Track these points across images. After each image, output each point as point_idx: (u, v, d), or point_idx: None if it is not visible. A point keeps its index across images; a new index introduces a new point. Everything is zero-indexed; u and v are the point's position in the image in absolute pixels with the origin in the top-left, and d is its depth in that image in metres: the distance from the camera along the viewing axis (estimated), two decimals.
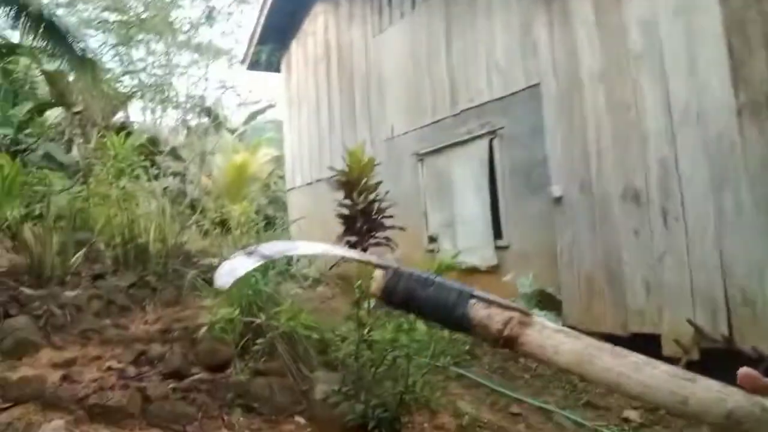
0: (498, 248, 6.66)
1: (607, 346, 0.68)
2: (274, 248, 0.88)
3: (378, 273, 0.82)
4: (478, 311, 0.73)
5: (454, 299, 0.75)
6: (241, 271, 0.80)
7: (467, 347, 4.01)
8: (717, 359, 3.89)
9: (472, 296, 0.75)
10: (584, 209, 5.30)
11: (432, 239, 7.69)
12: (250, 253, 0.83)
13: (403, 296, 0.79)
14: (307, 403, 3.18)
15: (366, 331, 3.03)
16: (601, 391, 4.24)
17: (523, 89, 6.17)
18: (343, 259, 0.86)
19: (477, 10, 6.83)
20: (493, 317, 0.72)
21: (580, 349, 0.67)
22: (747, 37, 3.92)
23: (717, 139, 4.17)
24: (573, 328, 0.75)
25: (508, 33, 6.38)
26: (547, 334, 0.70)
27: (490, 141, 6.69)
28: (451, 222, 7.38)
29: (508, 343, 0.72)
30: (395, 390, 2.99)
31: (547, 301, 5.54)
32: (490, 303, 0.74)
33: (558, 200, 5.54)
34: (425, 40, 7.84)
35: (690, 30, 4.33)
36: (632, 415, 3.80)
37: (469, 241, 6.99)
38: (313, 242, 0.93)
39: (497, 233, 6.69)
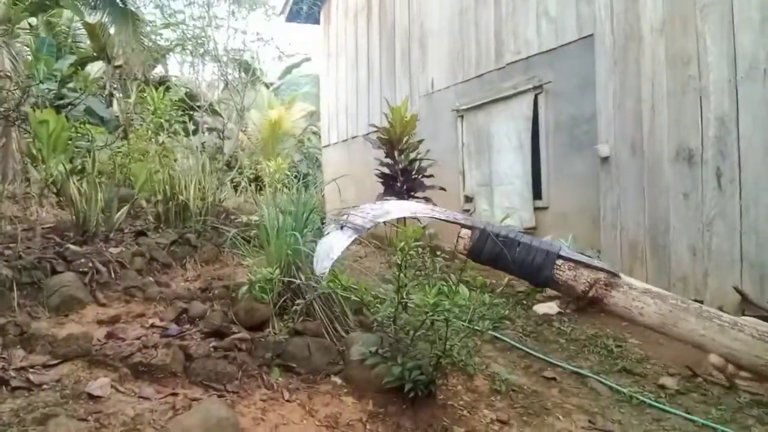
0: (537, 209, 6.50)
1: (695, 306, 0.63)
2: (365, 216, 0.82)
3: (464, 232, 0.78)
4: (563, 273, 0.69)
5: (541, 261, 0.72)
6: (338, 252, 0.75)
7: (507, 311, 3.94)
8: None
9: (559, 257, 0.71)
10: (632, 170, 5.07)
11: (468, 199, 7.55)
12: (342, 226, 0.78)
13: (489, 256, 0.75)
14: (344, 363, 3.19)
15: (405, 294, 3.00)
16: (637, 357, 4.15)
17: (575, 40, 5.86)
18: (433, 218, 0.81)
19: None
20: (579, 279, 0.68)
21: (666, 312, 0.63)
22: None
23: None
24: None
25: None
26: (633, 296, 0.66)
27: (536, 96, 6.43)
28: (488, 181, 7.21)
29: (594, 302, 0.68)
30: (432, 353, 2.96)
31: None
32: (577, 264, 0.69)
33: (605, 160, 5.31)
34: None
35: None
36: (669, 382, 3.71)
37: (506, 201, 6.84)
38: (401, 202, 0.87)
39: (536, 193, 6.51)
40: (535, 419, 3.06)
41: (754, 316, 3.92)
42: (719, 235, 4.33)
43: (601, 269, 0.62)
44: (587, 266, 0.62)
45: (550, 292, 5.51)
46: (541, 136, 6.40)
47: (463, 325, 3.03)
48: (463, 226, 0.66)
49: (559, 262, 0.63)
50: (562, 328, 4.80)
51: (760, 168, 4.07)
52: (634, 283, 0.63)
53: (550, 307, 5.14)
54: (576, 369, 3.90)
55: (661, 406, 3.31)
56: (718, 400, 3.37)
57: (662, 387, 3.64)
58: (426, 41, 8.55)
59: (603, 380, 3.70)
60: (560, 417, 3.12)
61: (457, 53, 7.81)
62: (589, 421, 3.11)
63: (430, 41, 8.44)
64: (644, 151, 4.94)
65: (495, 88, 7.04)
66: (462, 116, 7.69)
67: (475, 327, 3.06)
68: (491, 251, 0.65)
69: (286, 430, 2.47)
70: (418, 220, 5.98)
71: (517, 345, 4.28)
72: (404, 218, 5.70)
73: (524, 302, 5.40)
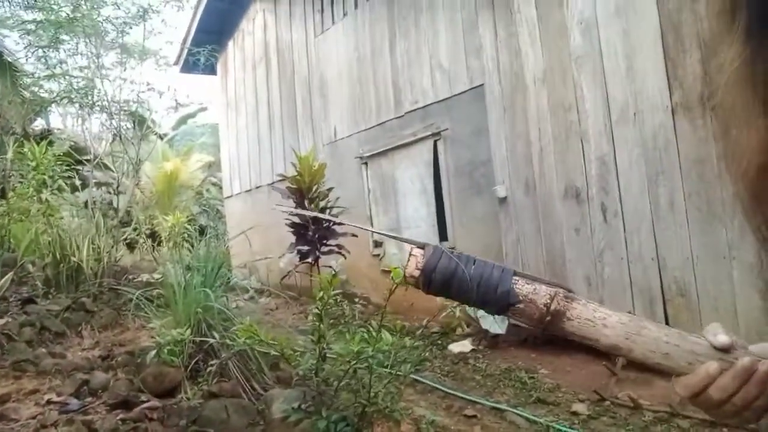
0: None
1: (645, 319, 0.69)
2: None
3: (417, 251, 0.79)
4: (523, 287, 0.72)
5: (498, 276, 0.74)
6: None
7: (426, 353, 4.01)
8: None
9: (516, 273, 0.74)
10: (528, 208, 5.42)
11: (377, 244, 7.66)
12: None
13: (443, 276, 0.76)
14: (265, 423, 3.06)
15: (325, 344, 2.96)
16: (549, 387, 4.35)
17: (468, 90, 6.25)
18: (381, 236, 0.81)
19: (421, 9, 6.85)
20: (539, 292, 0.71)
21: (626, 321, 0.68)
22: (681, 38, 4.12)
23: (653, 137, 4.37)
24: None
25: (452, 32, 6.43)
26: (592, 308, 0.70)
27: (435, 142, 6.74)
28: (396, 225, 7.38)
29: (554, 320, 0.71)
30: (357, 402, 2.93)
31: None
32: (533, 280, 0.73)
33: (502, 200, 5.64)
34: (368, 40, 7.80)
35: (628, 31, 4.50)
36: (580, 408, 3.91)
37: None
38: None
39: (443, 235, 6.74)
40: None
41: None
42: (610, 265, 4.71)
43: (557, 284, 0.66)
44: (543, 281, 0.65)
45: (461, 329, 5.66)
46: (443, 180, 6.69)
47: (385, 371, 3.03)
48: (416, 244, 0.67)
49: (516, 278, 0.65)
50: (477, 364, 4.94)
51: (638, 201, 4.51)
52: (585, 299, 0.67)
53: (464, 345, 5.28)
54: (494, 404, 4.01)
55: None
56: (625, 421, 3.60)
57: (575, 413, 3.83)
58: (327, 90, 8.74)
59: (520, 413, 3.83)
60: None
61: (358, 102, 8.04)
62: None
63: (331, 90, 8.64)
64: (537, 191, 5.32)
65: (396, 135, 7.30)
66: (366, 163, 7.86)
67: (398, 372, 3.07)
68: (446, 269, 0.65)
69: None
70: (343, 257, 5.92)
71: (437, 386, 4.34)
72: (317, 266, 5.65)
73: (439, 342, 5.50)
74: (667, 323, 4.28)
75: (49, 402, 2.82)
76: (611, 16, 4.62)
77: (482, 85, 5.97)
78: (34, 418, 2.55)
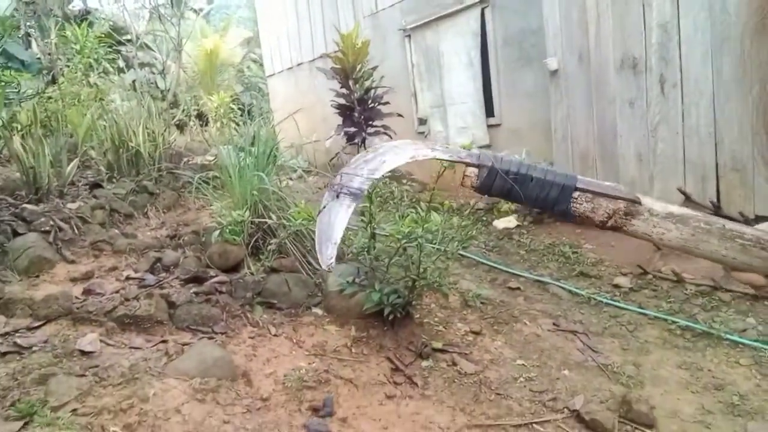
0: (490, 126, 6.61)
1: (718, 227, 0.72)
2: (360, 172, 0.79)
3: (470, 170, 0.82)
4: (581, 205, 0.76)
5: (556, 195, 0.78)
6: (339, 233, 0.76)
7: (472, 231, 4.13)
8: None
9: (576, 188, 0.77)
10: (580, 81, 5.18)
11: (422, 121, 7.57)
12: (337, 194, 0.77)
13: (500, 192, 0.80)
14: (322, 295, 3.31)
15: (375, 224, 3.10)
16: (592, 261, 4.46)
17: None
18: (437, 160, 0.83)
19: None
20: (597, 210, 0.75)
21: (687, 236, 0.72)
22: None
23: (721, 3, 3.99)
24: None
25: None
26: (654, 222, 0.74)
27: (482, 10, 6.36)
28: (441, 102, 7.23)
29: (614, 229, 0.76)
30: (407, 277, 3.11)
31: None
32: (594, 195, 0.76)
33: (554, 73, 5.40)
34: None
35: None
36: (622, 281, 4.02)
37: (460, 121, 6.91)
38: (409, 142, 0.85)
39: (489, 111, 6.59)
40: (504, 327, 3.31)
41: None
42: (663, 140, 4.56)
43: (621, 198, 0.65)
44: (606, 196, 0.65)
45: (508, 205, 5.74)
46: (491, 52, 6.40)
47: (433, 248, 3.17)
48: (469, 164, 0.67)
49: (576, 194, 0.65)
50: (521, 240, 5.07)
51: (700, 72, 4.25)
52: (655, 207, 0.66)
53: (509, 221, 5.38)
54: (537, 277, 4.17)
55: (617, 303, 3.62)
56: (667, 294, 3.71)
57: (617, 286, 3.96)
58: None
59: (563, 285, 3.98)
60: (527, 322, 3.38)
61: None
62: (554, 324, 3.39)
63: None
64: (591, 62, 5.05)
65: (441, 3, 6.90)
66: (409, 36, 7.54)
67: (446, 249, 3.21)
68: (501, 188, 0.66)
69: (278, 363, 2.60)
70: (389, 137, 5.93)
71: (483, 260, 4.51)
72: (363, 147, 5.70)
73: (485, 218, 5.62)
74: (718, 200, 4.21)
75: (128, 278, 3.13)
76: None
77: None
78: (117, 292, 2.85)
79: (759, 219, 3.92)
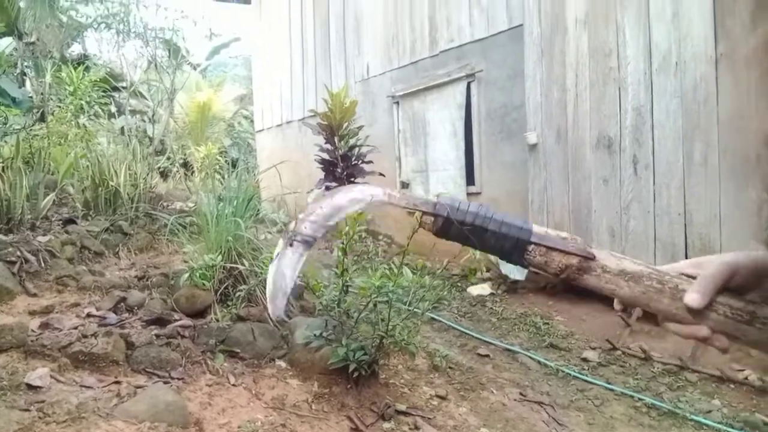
0: (470, 194, 6.74)
1: (671, 286, 0.69)
2: (315, 219, 0.76)
3: (426, 219, 0.79)
4: (534, 258, 0.73)
5: (511, 246, 0.75)
6: (291, 282, 0.72)
7: (444, 293, 4.13)
8: None
9: (530, 242, 0.74)
10: (558, 156, 5.36)
11: (404, 185, 7.71)
12: (291, 241, 0.73)
13: (457, 239, 0.78)
14: (288, 347, 3.24)
15: (348, 278, 3.08)
16: (562, 333, 4.46)
17: (506, 30, 6.08)
18: (391, 205, 0.80)
19: None
20: (550, 264, 0.72)
21: (638, 294, 0.70)
22: None
23: (693, 89, 4.23)
24: None
25: None
26: (605, 279, 0.72)
27: (468, 84, 6.63)
28: (424, 167, 7.39)
29: (567, 281, 0.74)
30: (375, 334, 3.07)
31: None
32: (549, 249, 0.73)
33: (533, 146, 5.58)
34: None
35: None
36: (591, 355, 4.02)
37: (441, 187, 7.04)
38: (352, 190, 0.81)
39: (470, 179, 6.74)
40: (471, 393, 3.25)
41: None
42: (635, 218, 4.69)
43: (575, 254, 0.65)
44: (559, 251, 0.65)
45: (482, 274, 5.76)
46: (474, 123, 6.62)
47: (403, 307, 3.15)
48: (425, 213, 0.66)
49: (530, 247, 0.65)
50: (494, 308, 5.07)
51: (671, 155, 4.43)
52: (609, 264, 0.66)
53: (483, 289, 5.39)
54: (507, 346, 4.15)
55: (585, 377, 3.59)
56: (634, 371, 3.70)
57: (585, 360, 3.95)
58: (361, 26, 8.57)
59: (532, 356, 3.96)
60: (494, 390, 3.33)
61: (392, 39, 7.89)
62: (521, 393, 3.34)
63: (366, 26, 8.47)
64: (569, 139, 5.24)
65: (429, 74, 7.19)
66: (398, 102, 7.80)
67: (416, 309, 3.20)
68: (456, 237, 0.66)
69: (233, 413, 2.50)
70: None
71: (454, 325, 4.49)
72: None
73: (459, 284, 5.63)
74: None
75: (89, 315, 3.04)
76: None
77: (521, 25, 5.78)
78: (75, 328, 2.76)
79: None
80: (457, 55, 6.79)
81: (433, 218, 0.77)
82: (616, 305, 0.73)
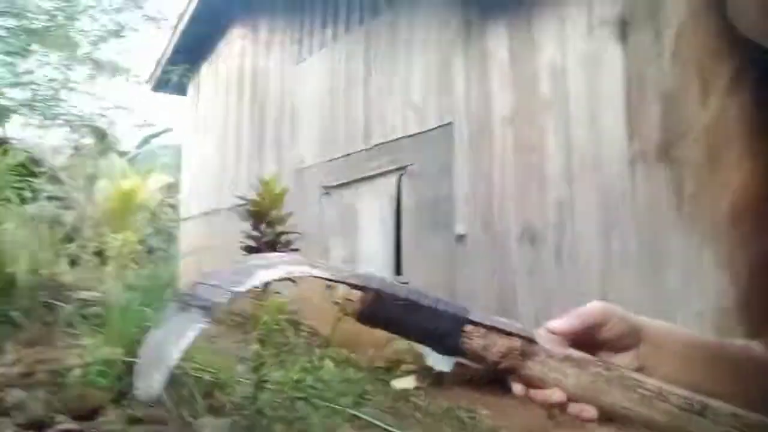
0: None
1: (617, 374, 0.59)
2: (221, 284, 0.58)
3: (354, 294, 0.65)
4: (472, 341, 0.61)
5: (446, 327, 0.62)
6: (177, 353, 0.54)
7: (367, 387, 3.88)
8: None
9: (469, 322, 0.62)
10: (484, 247, 5.41)
11: None
12: (184, 306, 0.56)
13: (384, 322, 0.64)
14: None
15: (265, 372, 2.81)
16: (488, 427, 4.28)
17: (436, 127, 6.30)
18: (315, 277, 0.66)
19: (397, 46, 6.95)
20: (490, 348, 0.60)
21: (586, 384, 0.58)
22: (644, 92, 4.25)
23: (610, 185, 4.44)
24: None
25: (426, 70, 6.52)
26: (550, 366, 0.60)
27: (400, 177, 6.73)
28: (352, 258, 7.28)
29: (506, 372, 0.61)
30: None
31: None
32: (489, 330, 0.61)
33: (460, 238, 5.62)
34: (344, 72, 7.84)
35: (594, 81, 4.62)
36: None
37: None
38: (267, 257, 0.66)
39: (397, 269, 6.67)
40: None
41: None
42: (559, 308, 4.68)
43: (517, 335, 0.56)
44: (501, 332, 0.56)
45: (407, 366, 5.54)
46: (404, 215, 6.66)
47: (323, 403, 2.90)
48: (353, 286, 0.56)
49: (469, 328, 0.56)
50: (418, 402, 4.82)
51: (591, 248, 4.55)
52: (553, 349, 0.57)
53: (408, 382, 5.17)
54: None
55: None
56: None
57: None
58: (298, 119, 8.71)
59: None
60: None
61: (328, 133, 8.03)
62: None
63: (302, 119, 8.61)
64: (495, 231, 5.32)
65: (362, 167, 7.27)
66: (329, 193, 7.79)
67: (337, 405, 2.94)
68: (388, 317, 0.56)
69: None
70: (292, 281, 5.72)
71: (376, 422, 4.18)
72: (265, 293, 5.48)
73: (383, 378, 5.36)
74: None
75: None
76: (579, 65, 4.75)
77: (451, 123, 6.02)
78: None
79: None
80: (390, 149, 6.94)
81: (361, 294, 0.62)
82: (517, 389, 0.61)
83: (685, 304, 3.92)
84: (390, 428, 4.04)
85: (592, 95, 4.62)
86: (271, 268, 0.63)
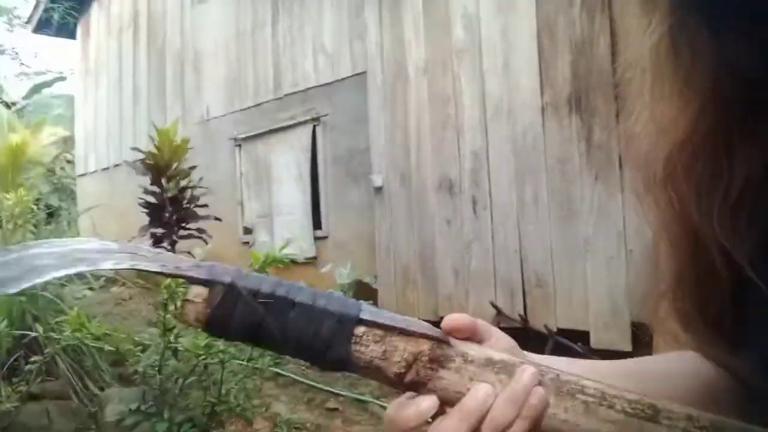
0: (317, 239, 6.54)
1: (551, 376, 0.47)
2: (20, 269, 0.43)
3: (196, 292, 0.48)
4: (367, 348, 0.46)
5: (330, 330, 0.46)
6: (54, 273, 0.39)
7: None
8: (515, 337, 4.18)
9: (360, 321, 0.47)
10: (403, 199, 5.38)
11: (247, 230, 7.29)
12: None
13: (244, 328, 0.47)
14: (96, 427, 2.68)
15: (173, 337, 2.64)
16: None
17: (350, 76, 6.09)
18: (144, 273, 0.49)
19: None
20: (391, 356, 0.46)
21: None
22: (555, 41, 4.26)
23: (523, 135, 4.49)
24: None
25: (337, 14, 6.24)
26: (469, 374, 0.47)
27: (314, 128, 6.51)
28: (269, 212, 7.06)
29: (413, 387, 0.48)
30: (206, 401, 2.66)
31: (364, 291, 5.57)
32: (386, 331, 0.47)
33: (378, 189, 5.56)
34: (250, 15, 7.35)
35: (507, 29, 4.58)
36: None
37: (287, 232, 6.75)
38: (97, 242, 0.50)
39: (317, 223, 6.55)
40: None
41: (507, 328, 4.40)
42: (477, 257, 4.80)
43: (424, 335, 0.43)
44: (404, 333, 0.42)
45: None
46: (320, 167, 6.49)
47: (241, 364, 2.79)
48: (194, 281, 0.39)
49: (360, 330, 0.42)
50: None
51: (506, 197, 4.63)
52: (469, 352, 0.44)
53: None
54: (357, 396, 3.90)
55: None
56: None
57: None
58: (201, 65, 8.14)
59: (383, 404, 3.75)
60: None
61: (234, 80, 7.58)
62: None
63: (206, 65, 8.06)
64: (412, 182, 5.29)
65: (274, 118, 6.96)
66: (240, 145, 7.43)
67: (255, 365, 2.84)
68: (246, 322, 0.40)
69: None
70: (204, 242, 5.43)
71: (299, 378, 4.14)
72: (173, 252, 5.20)
73: None
74: (525, 313, 4.43)
75: None
76: (492, 13, 4.69)
77: (365, 72, 5.83)
78: None
79: (561, 332, 4.17)
80: (302, 99, 6.67)
81: (206, 291, 0.46)
82: (428, 408, 0.48)
83: (595, 250, 4.11)
84: (313, 383, 4.01)
85: (506, 43, 4.60)
86: (91, 258, 0.47)
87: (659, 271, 0.55)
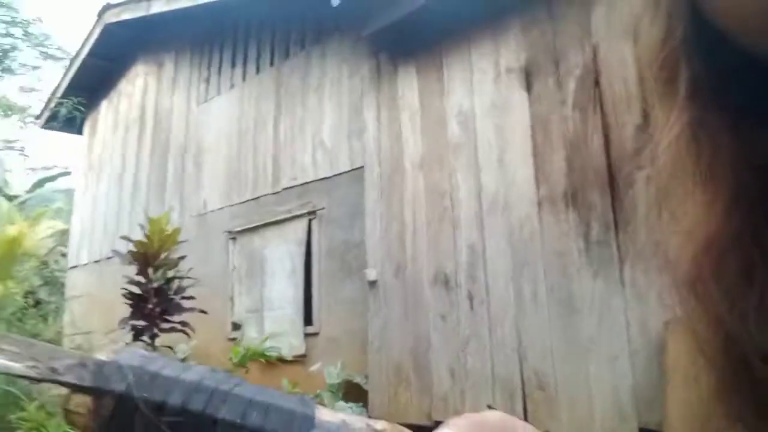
0: (307, 335, 6.28)
1: None
2: None
3: (80, 401, 0.34)
4: None
5: None
6: None
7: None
8: None
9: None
10: (397, 293, 5.22)
11: (236, 326, 7.03)
12: None
13: None
14: None
15: None
16: None
17: (348, 171, 6.17)
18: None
19: (308, 87, 6.86)
20: None
21: None
22: (549, 137, 4.34)
23: (519, 228, 4.44)
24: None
25: (337, 113, 6.45)
26: None
27: (310, 221, 6.49)
28: (259, 307, 6.85)
29: None
30: None
31: (354, 392, 5.24)
32: None
33: (372, 284, 5.41)
34: (253, 114, 7.61)
35: (501, 126, 4.69)
36: None
37: (277, 328, 6.49)
38: None
39: (308, 319, 6.32)
40: None
41: None
42: (474, 355, 4.55)
43: None
44: None
45: None
46: (314, 260, 6.38)
47: None
48: (73, 388, 0.29)
49: None
50: None
51: (503, 290, 4.48)
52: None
53: None
54: None
55: None
56: None
57: None
58: (202, 161, 8.30)
59: None
60: None
61: (234, 175, 7.69)
62: None
63: (207, 161, 8.22)
64: (407, 275, 5.16)
65: (270, 211, 6.97)
66: (235, 238, 7.37)
67: None
68: None
69: None
70: (187, 336, 5.13)
71: None
72: (152, 347, 4.91)
73: None
74: (525, 416, 4.11)
75: None
76: (487, 109, 4.83)
77: (362, 166, 5.91)
78: None
79: None
80: (300, 193, 6.72)
81: (93, 401, 0.34)
82: None
83: (598, 348, 3.89)
84: None
85: (501, 139, 4.69)
86: None
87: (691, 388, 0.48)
